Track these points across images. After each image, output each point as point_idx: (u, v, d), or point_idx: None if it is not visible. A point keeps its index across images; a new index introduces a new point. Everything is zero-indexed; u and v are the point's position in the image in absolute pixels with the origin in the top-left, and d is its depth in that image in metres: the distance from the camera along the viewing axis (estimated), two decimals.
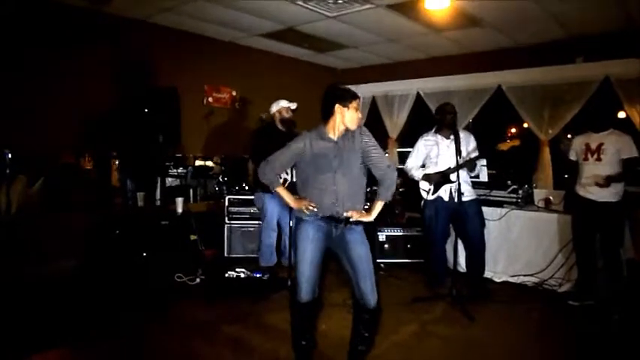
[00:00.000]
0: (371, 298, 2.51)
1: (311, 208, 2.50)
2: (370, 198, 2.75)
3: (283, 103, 4.40)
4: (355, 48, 6.33)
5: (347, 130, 2.54)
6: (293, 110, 4.43)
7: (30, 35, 4.43)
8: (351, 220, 2.51)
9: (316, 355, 2.78)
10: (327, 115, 2.53)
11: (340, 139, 2.53)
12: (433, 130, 4.32)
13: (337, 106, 2.51)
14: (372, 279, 2.52)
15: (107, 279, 4.03)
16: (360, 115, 2.58)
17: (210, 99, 5.98)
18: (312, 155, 2.52)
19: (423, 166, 4.32)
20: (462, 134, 4.17)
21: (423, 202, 4.33)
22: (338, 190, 2.49)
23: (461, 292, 3.88)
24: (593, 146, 3.83)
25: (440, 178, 4.13)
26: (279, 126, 4.37)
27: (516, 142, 4.04)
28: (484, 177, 4.79)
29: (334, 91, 2.57)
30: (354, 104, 2.53)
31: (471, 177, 4.25)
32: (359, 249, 2.52)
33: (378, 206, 2.58)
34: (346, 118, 2.51)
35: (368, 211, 2.59)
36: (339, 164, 2.49)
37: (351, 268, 2.53)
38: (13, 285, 3.60)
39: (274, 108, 4.41)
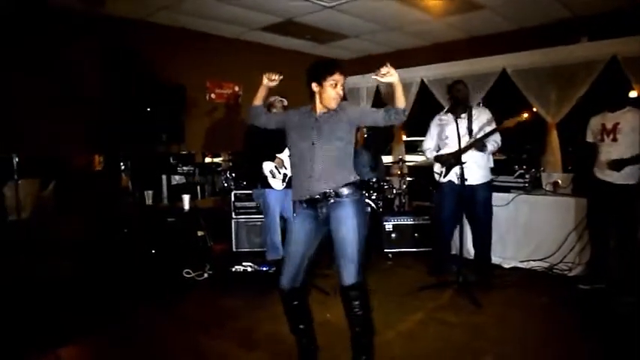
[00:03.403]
0: (345, 277, 2.42)
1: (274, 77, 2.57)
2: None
3: (272, 99, 4.39)
4: (357, 37, 6.28)
5: (328, 108, 2.48)
6: (285, 107, 4.41)
7: (35, 41, 4.48)
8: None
9: None
10: (311, 95, 2.52)
11: (322, 114, 2.50)
12: (445, 110, 4.26)
13: (313, 84, 2.46)
14: (349, 259, 2.41)
15: (116, 276, 4.10)
16: (339, 92, 2.45)
17: (213, 95, 5.99)
18: (293, 125, 2.54)
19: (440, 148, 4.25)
20: (475, 111, 4.09)
21: (438, 184, 4.28)
22: (314, 164, 2.43)
23: (467, 278, 3.85)
24: (609, 126, 3.71)
25: (451, 160, 4.06)
26: None
27: (522, 118, 3.76)
28: (490, 162, 4.72)
29: (310, 68, 2.50)
30: (329, 81, 2.42)
31: (492, 153, 4.10)
32: (341, 228, 2.41)
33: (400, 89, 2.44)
34: (323, 96, 2.45)
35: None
36: (317, 136, 2.45)
37: (334, 245, 2.46)
38: (26, 283, 3.70)
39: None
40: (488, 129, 3.99)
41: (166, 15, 5.17)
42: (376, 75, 2.43)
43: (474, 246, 4.34)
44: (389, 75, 2.41)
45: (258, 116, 2.69)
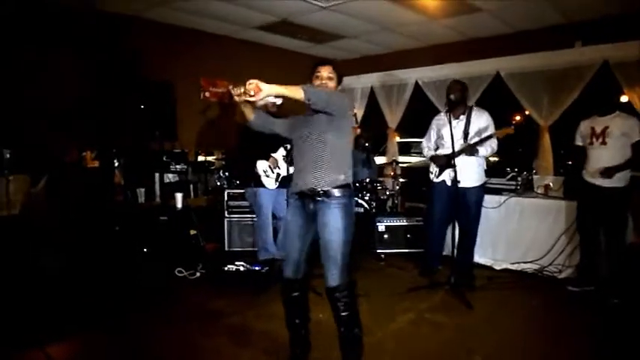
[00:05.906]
0: (330, 279, 2.45)
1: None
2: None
3: (268, 99, 4.36)
4: (352, 38, 6.29)
5: None
6: (278, 106, 4.38)
7: (29, 35, 4.45)
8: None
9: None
10: None
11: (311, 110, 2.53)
12: (445, 110, 4.20)
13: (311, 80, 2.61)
14: (333, 261, 2.42)
15: (108, 275, 4.08)
16: (325, 83, 2.57)
17: (207, 93, 5.98)
18: (295, 123, 2.67)
19: (438, 147, 4.26)
20: (475, 112, 4.08)
21: (431, 183, 4.29)
22: (302, 159, 2.53)
23: (450, 280, 3.86)
24: (598, 130, 3.76)
25: (443, 161, 4.09)
26: None
27: (510, 131, 3.93)
28: (484, 165, 4.75)
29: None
30: (315, 74, 2.58)
31: (485, 157, 4.13)
32: (326, 231, 2.43)
33: (286, 88, 2.31)
34: None
35: None
36: (307, 132, 2.53)
37: (320, 247, 2.49)
38: (16, 281, 3.66)
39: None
40: (485, 134, 4.00)
41: (161, 12, 5.16)
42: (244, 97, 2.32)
43: (457, 247, 4.34)
44: (258, 91, 2.27)
45: (262, 126, 2.74)
